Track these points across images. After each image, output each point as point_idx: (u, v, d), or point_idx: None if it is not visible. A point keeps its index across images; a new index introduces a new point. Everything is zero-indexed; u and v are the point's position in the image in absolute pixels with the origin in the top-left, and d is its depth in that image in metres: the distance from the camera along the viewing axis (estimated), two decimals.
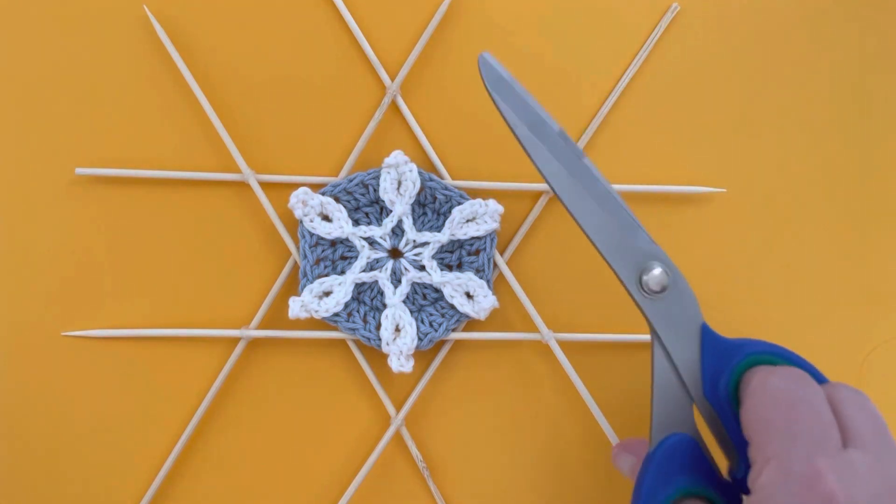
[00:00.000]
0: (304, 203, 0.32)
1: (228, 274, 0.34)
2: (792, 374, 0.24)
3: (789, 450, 0.22)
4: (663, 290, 0.27)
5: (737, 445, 0.26)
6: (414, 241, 0.33)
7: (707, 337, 0.27)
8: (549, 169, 0.27)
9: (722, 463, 0.27)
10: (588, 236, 0.27)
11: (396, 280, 0.33)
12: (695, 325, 0.27)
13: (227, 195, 0.34)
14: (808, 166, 0.35)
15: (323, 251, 0.33)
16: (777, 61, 0.35)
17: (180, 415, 0.33)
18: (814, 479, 0.21)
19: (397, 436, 0.34)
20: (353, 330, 0.32)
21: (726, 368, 0.26)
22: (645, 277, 0.27)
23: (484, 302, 0.32)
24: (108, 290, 0.33)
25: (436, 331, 0.33)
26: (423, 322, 0.33)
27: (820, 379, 0.25)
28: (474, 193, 0.33)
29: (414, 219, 0.33)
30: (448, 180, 0.33)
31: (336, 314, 0.32)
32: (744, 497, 0.25)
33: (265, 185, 0.33)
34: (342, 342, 0.34)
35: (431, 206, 0.33)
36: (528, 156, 0.27)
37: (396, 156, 0.32)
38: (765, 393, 0.24)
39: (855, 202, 0.35)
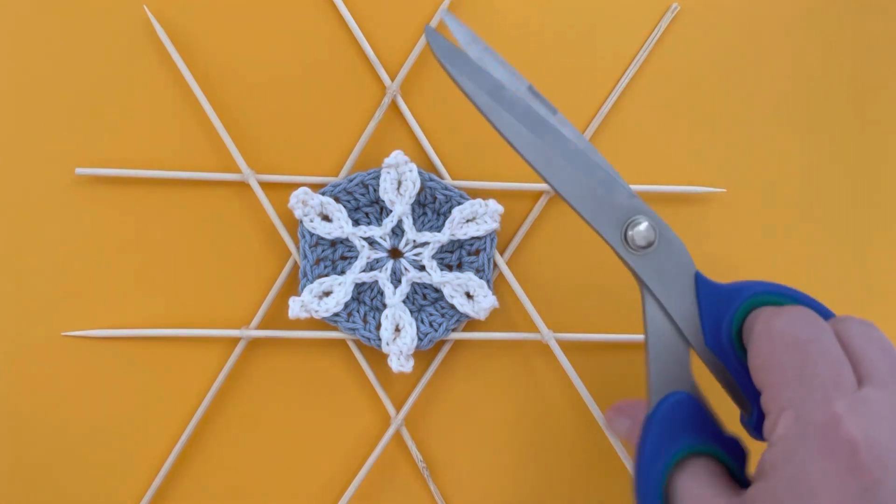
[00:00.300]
0: (304, 203, 0.32)
1: (228, 274, 0.34)
2: (797, 313, 0.23)
3: (804, 397, 0.21)
4: (651, 244, 0.25)
5: (746, 393, 0.25)
6: (414, 241, 0.33)
7: (702, 285, 0.26)
8: (514, 135, 0.25)
9: (725, 416, 0.26)
10: (564, 199, 0.25)
11: (396, 280, 0.33)
12: (688, 276, 0.26)
13: (227, 195, 0.34)
14: (807, 166, 0.35)
15: (323, 251, 0.33)
16: (777, 61, 0.35)
17: (180, 415, 0.33)
18: (833, 426, 0.20)
19: (397, 436, 0.34)
20: (353, 330, 0.32)
21: (726, 314, 0.25)
22: (630, 233, 0.25)
23: (484, 302, 0.32)
24: (108, 290, 0.33)
25: (436, 331, 0.33)
26: (423, 322, 0.33)
27: (826, 314, 0.24)
28: (474, 193, 0.33)
29: (414, 219, 0.33)
30: (448, 180, 0.33)
31: (336, 314, 0.32)
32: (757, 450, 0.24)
33: (265, 185, 0.33)
34: (342, 342, 0.34)
35: (431, 206, 0.33)
36: (492, 124, 0.25)
37: (396, 156, 0.32)
38: (771, 337, 0.23)
39: (855, 202, 0.35)
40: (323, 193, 0.32)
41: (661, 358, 0.26)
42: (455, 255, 0.33)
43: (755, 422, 0.25)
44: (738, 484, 0.24)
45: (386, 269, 0.33)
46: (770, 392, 0.22)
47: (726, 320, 0.25)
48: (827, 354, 0.22)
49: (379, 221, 0.33)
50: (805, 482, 0.20)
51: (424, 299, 0.33)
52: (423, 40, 0.33)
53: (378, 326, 0.32)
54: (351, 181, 0.32)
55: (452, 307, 0.33)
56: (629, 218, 0.26)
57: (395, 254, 0.33)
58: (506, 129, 0.25)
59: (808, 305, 0.24)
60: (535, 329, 0.34)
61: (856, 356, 0.22)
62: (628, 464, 0.33)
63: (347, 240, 0.33)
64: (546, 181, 0.26)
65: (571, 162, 0.25)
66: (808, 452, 0.20)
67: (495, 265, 0.33)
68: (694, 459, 0.24)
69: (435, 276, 0.32)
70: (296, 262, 0.33)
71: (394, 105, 0.33)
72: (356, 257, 0.33)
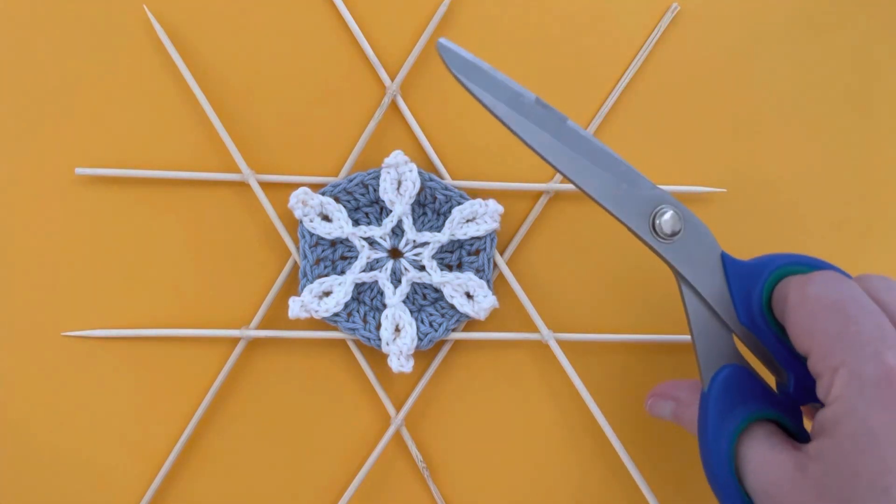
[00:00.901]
0: (304, 203, 0.32)
1: (228, 274, 0.34)
2: (826, 276, 0.24)
3: (854, 354, 0.22)
4: (677, 231, 0.26)
5: (782, 362, 0.26)
6: (414, 241, 0.33)
7: (729, 264, 0.27)
8: (536, 140, 0.26)
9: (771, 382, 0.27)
10: (591, 197, 0.26)
11: (396, 280, 0.33)
12: (715, 257, 0.27)
13: (227, 195, 0.34)
14: (807, 166, 0.35)
15: (323, 251, 0.33)
16: (777, 61, 0.35)
17: (180, 415, 0.33)
18: (889, 376, 0.21)
19: (397, 436, 0.34)
20: (353, 330, 0.32)
21: (755, 288, 0.26)
22: (658, 222, 0.26)
23: (484, 302, 0.32)
24: (108, 290, 0.33)
25: (436, 331, 0.33)
26: (423, 322, 0.33)
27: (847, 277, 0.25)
28: (474, 193, 0.33)
29: (414, 219, 0.33)
30: (448, 180, 0.33)
31: (336, 314, 0.32)
32: (802, 411, 0.26)
33: (265, 185, 0.33)
34: (342, 342, 0.34)
35: (431, 206, 0.33)
36: (513, 132, 0.26)
37: (396, 156, 0.32)
38: (808, 302, 0.24)
39: (855, 202, 0.35)
40: (323, 193, 0.32)
41: (705, 337, 0.27)
42: (455, 255, 0.33)
43: (793, 389, 0.26)
44: (798, 441, 0.25)
45: (386, 269, 0.33)
46: (818, 355, 0.23)
47: (756, 294, 0.26)
48: (866, 310, 0.23)
49: (379, 221, 0.33)
50: (868, 435, 0.21)
51: (424, 299, 0.33)
52: (423, 40, 0.33)
53: (378, 326, 0.32)
54: (351, 181, 0.32)
55: (452, 307, 0.33)
56: (655, 208, 0.27)
57: (395, 254, 0.33)
58: (528, 136, 0.26)
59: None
60: (535, 329, 0.34)
61: (889, 309, 0.23)
62: (629, 464, 0.33)
63: (347, 240, 0.33)
64: (573, 183, 0.26)
65: (594, 161, 0.26)
66: (868, 406, 0.21)
67: (495, 265, 0.33)
68: (754, 426, 0.25)
69: (435, 276, 0.32)
70: (296, 262, 0.33)
71: (394, 105, 0.33)
72: (356, 257, 0.33)
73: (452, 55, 0.26)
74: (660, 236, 0.27)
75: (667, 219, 0.26)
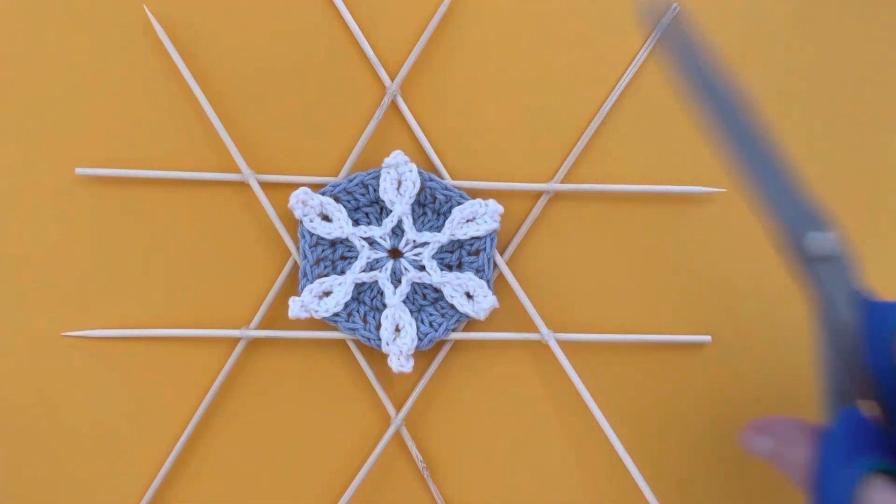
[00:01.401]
0: (304, 203, 0.32)
1: (228, 274, 0.34)
2: None
3: None
4: (829, 255, 0.26)
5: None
6: (414, 241, 0.33)
7: (867, 300, 0.26)
8: (734, 143, 0.26)
9: None
10: (760, 201, 0.26)
11: (396, 280, 0.33)
12: (855, 290, 0.26)
13: (227, 195, 0.34)
14: (807, 166, 0.35)
15: (323, 251, 0.33)
16: (776, 61, 0.35)
17: (180, 415, 0.33)
18: None
19: (397, 436, 0.34)
20: (353, 330, 0.32)
21: (883, 332, 0.25)
22: (812, 243, 0.26)
23: (484, 302, 0.32)
24: (108, 290, 0.33)
25: (436, 331, 0.33)
26: (423, 322, 0.33)
27: None
28: (474, 193, 0.33)
29: (414, 219, 0.33)
30: (448, 180, 0.33)
31: (336, 314, 0.32)
32: None
33: (265, 185, 0.33)
34: (342, 342, 0.34)
35: (431, 206, 0.33)
36: (715, 133, 0.25)
37: (396, 156, 0.32)
38: None
39: (855, 202, 0.35)
40: (323, 193, 0.32)
41: (834, 371, 0.26)
42: (455, 255, 0.33)
43: None
44: None
45: (386, 269, 0.33)
46: None
47: (883, 338, 0.25)
48: None
49: (379, 221, 0.33)
50: None
51: (424, 299, 0.33)
52: (423, 40, 0.33)
53: (378, 326, 0.32)
54: (351, 181, 0.32)
55: (452, 307, 0.33)
56: (815, 228, 0.26)
57: (395, 254, 0.33)
58: (728, 139, 0.26)
59: None
60: (535, 329, 0.33)
61: None
62: (629, 464, 0.33)
63: (347, 240, 0.33)
64: (752, 183, 0.26)
65: (780, 171, 0.26)
66: None
67: (495, 265, 0.33)
68: (879, 476, 0.24)
69: (435, 276, 0.32)
70: (296, 262, 0.33)
71: (394, 105, 0.33)
72: (356, 257, 0.33)
73: (678, 39, 0.25)
74: (810, 257, 0.26)
75: (823, 240, 0.26)
